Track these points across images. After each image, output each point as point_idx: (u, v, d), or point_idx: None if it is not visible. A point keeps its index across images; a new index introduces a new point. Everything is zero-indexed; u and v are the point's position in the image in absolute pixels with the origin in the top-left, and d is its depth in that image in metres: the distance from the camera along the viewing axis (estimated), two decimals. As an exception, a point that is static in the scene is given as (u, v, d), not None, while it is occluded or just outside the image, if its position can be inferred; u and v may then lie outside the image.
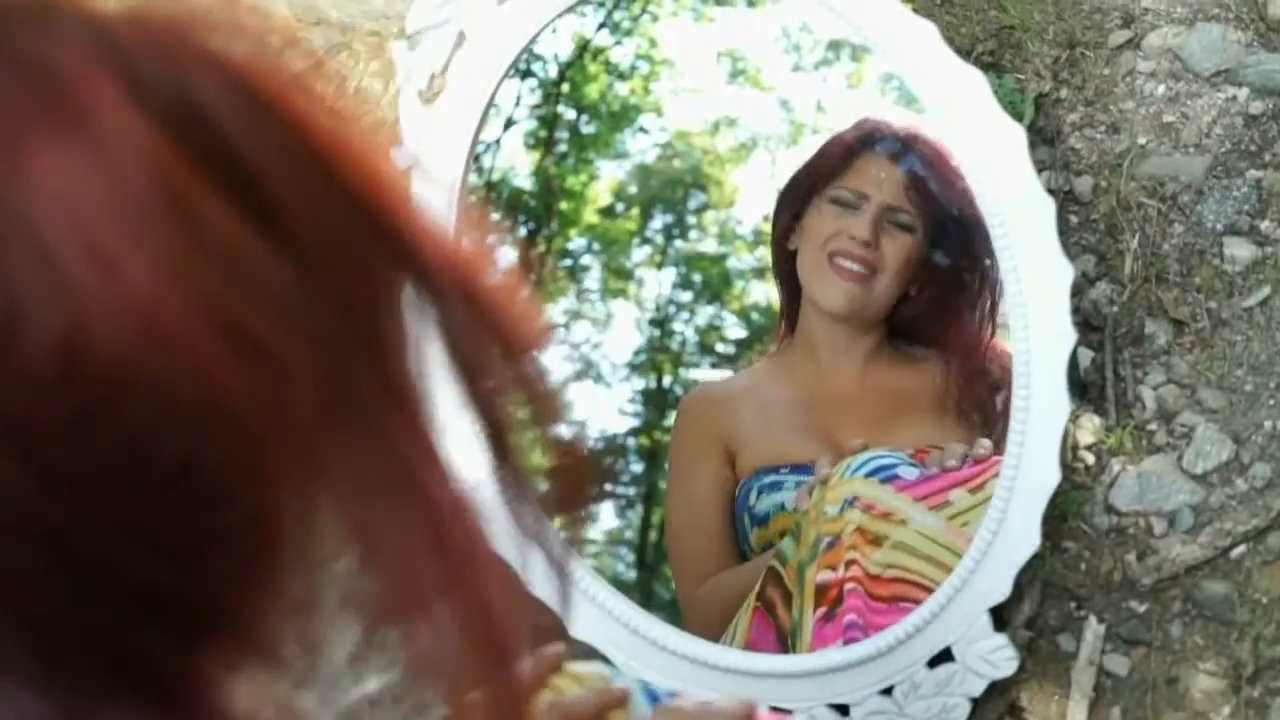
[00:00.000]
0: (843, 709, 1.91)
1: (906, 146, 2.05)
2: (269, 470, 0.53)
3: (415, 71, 2.08)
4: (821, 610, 1.93)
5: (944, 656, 1.88)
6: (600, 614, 1.99)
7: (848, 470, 1.96)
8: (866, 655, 1.88)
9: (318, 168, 0.54)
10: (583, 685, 1.25)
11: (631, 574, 2.47)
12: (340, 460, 0.55)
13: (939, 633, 1.87)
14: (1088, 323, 1.93)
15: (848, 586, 1.91)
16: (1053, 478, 1.84)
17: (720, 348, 2.53)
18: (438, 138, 2.07)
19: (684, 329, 2.53)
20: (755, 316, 2.46)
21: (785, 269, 2.13)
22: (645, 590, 2.37)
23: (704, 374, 2.52)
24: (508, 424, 0.61)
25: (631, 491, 2.52)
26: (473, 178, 2.38)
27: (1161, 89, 1.95)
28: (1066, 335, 1.84)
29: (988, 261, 1.92)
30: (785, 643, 1.97)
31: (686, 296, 2.51)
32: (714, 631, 2.02)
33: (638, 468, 2.53)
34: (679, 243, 2.53)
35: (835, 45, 2.31)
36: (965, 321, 2.02)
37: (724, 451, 2.11)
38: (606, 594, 2.01)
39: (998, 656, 1.86)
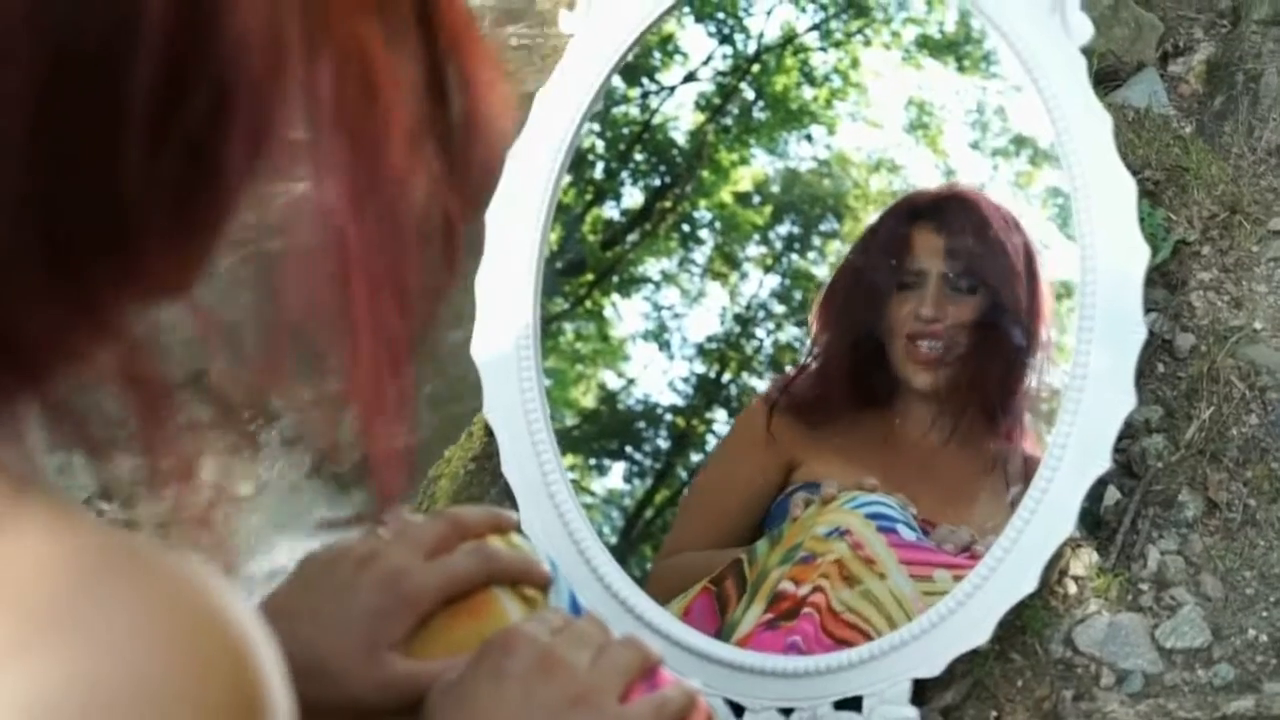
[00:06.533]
0: (737, 709, 1.90)
1: (941, 209, 2.12)
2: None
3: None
4: (769, 616, 1.92)
5: (853, 704, 1.86)
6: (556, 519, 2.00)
7: (851, 502, 1.95)
8: (781, 669, 1.87)
9: None
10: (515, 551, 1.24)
11: (613, 539, 2.46)
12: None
13: (857, 678, 1.85)
14: (1129, 467, 1.91)
15: (806, 610, 1.90)
16: (1028, 586, 1.82)
17: (790, 370, 2.52)
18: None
19: (764, 338, 2.52)
20: (834, 355, 2.45)
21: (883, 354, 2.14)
22: (620, 559, 2.36)
23: (763, 385, 2.52)
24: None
25: (648, 463, 2.51)
26: (634, 111, 2.41)
27: (1298, 286, 1.93)
28: (1099, 465, 1.82)
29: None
30: (720, 631, 1.96)
31: (780, 309, 2.50)
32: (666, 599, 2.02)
33: (664, 444, 2.53)
34: (795, 256, 2.52)
35: (1019, 141, 2.30)
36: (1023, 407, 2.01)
37: (784, 460, 2.11)
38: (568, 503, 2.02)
39: (902, 727, 1.84)
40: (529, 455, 2.01)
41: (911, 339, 2.07)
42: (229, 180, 0.54)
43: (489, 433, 2.04)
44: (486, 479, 2.07)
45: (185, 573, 0.50)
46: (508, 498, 1.99)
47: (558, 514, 2.01)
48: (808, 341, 2.30)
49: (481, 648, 0.96)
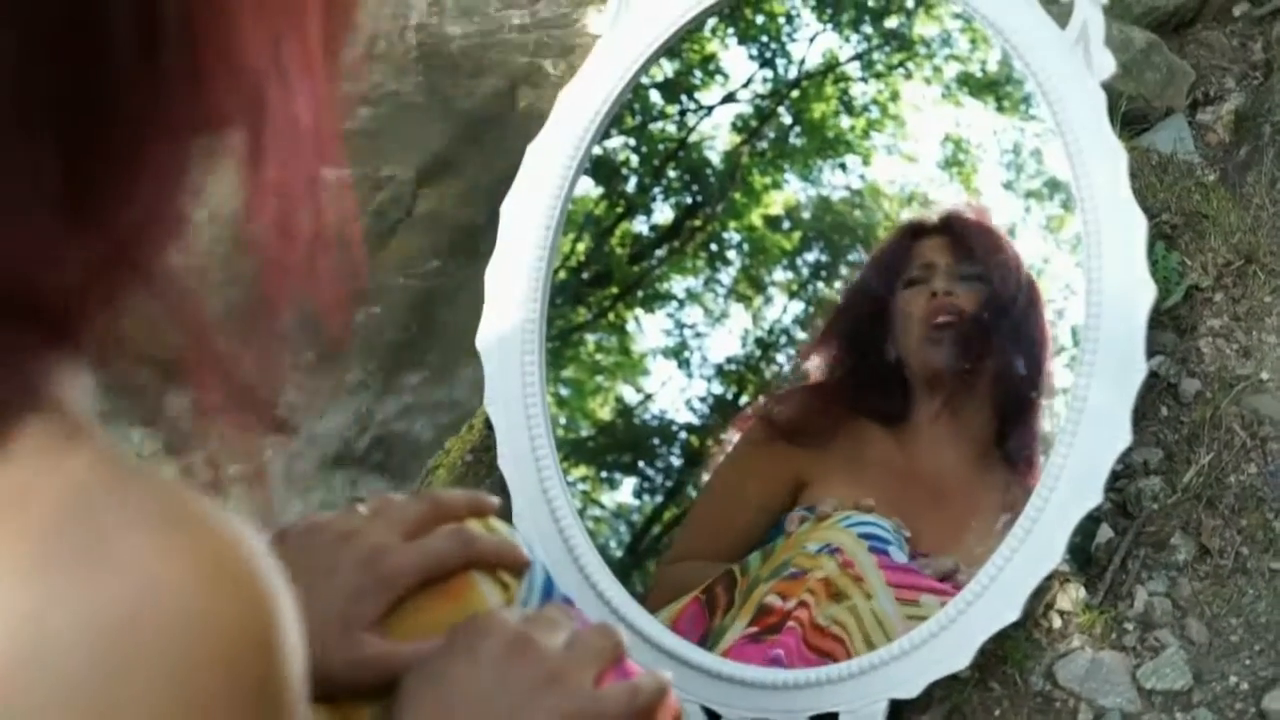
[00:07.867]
0: (714, 717, 1.90)
1: (949, 226, 2.17)
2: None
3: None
4: (754, 629, 1.92)
5: (828, 719, 1.86)
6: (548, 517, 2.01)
7: (845, 520, 1.95)
8: (760, 680, 1.87)
9: None
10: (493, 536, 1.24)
11: (618, 554, 2.46)
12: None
13: (835, 695, 1.85)
14: (1125, 506, 1.91)
15: (789, 624, 1.90)
16: (1011, 615, 1.81)
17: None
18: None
19: (785, 364, 2.52)
20: (852, 385, 2.45)
21: (894, 372, 2.15)
22: (624, 575, 2.37)
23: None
24: None
25: (659, 480, 2.51)
26: (671, 128, 2.43)
27: (1307, 338, 1.92)
28: (1091, 499, 1.82)
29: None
30: (707, 640, 1.97)
31: (802, 335, 2.50)
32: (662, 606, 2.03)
33: (676, 461, 2.53)
34: (821, 284, 2.52)
35: (1053, 184, 2.30)
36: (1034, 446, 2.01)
37: (793, 477, 2.11)
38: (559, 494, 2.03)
39: (875, 746, 1.84)
40: (525, 449, 2.02)
41: (927, 319, 2.09)
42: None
43: (489, 426, 2.06)
44: (482, 471, 2.09)
45: (202, 505, 0.51)
46: (501, 490, 2.00)
47: (549, 508, 2.02)
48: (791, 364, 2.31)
49: (454, 630, 0.96)
